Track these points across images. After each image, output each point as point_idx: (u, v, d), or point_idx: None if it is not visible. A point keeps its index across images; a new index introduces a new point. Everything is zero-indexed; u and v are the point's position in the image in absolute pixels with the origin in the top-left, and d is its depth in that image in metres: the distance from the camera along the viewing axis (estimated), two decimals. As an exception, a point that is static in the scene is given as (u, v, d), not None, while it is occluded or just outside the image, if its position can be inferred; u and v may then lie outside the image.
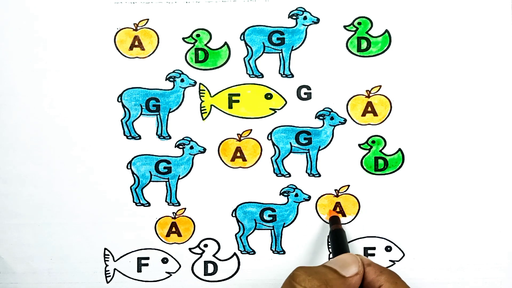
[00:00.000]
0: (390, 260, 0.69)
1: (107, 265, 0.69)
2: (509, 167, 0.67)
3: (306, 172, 0.68)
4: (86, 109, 0.67)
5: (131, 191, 0.68)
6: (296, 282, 0.44)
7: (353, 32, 0.67)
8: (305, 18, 0.67)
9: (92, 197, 0.68)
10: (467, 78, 0.67)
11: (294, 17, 0.67)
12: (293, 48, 0.67)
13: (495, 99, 0.67)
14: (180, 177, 0.68)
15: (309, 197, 0.69)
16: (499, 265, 0.68)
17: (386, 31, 0.67)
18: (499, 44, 0.66)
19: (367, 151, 0.68)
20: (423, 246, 0.68)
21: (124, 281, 0.69)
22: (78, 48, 0.67)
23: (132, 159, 0.68)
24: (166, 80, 0.68)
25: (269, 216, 0.69)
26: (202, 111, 0.68)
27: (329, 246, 0.69)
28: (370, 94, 0.67)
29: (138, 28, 0.68)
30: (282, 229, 0.69)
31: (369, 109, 0.68)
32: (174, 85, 0.68)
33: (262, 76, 0.68)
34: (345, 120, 0.68)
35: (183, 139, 0.68)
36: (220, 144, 0.68)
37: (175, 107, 0.68)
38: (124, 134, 0.68)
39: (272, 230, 0.69)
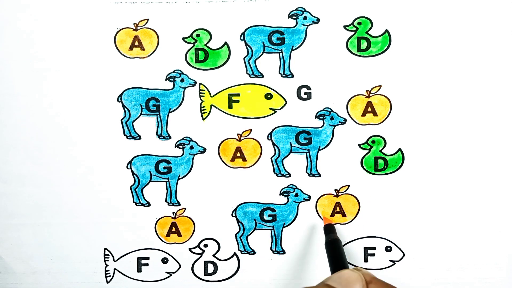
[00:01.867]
0: (390, 260, 0.69)
1: (107, 265, 0.69)
2: (509, 167, 0.67)
3: (306, 172, 0.68)
4: (86, 109, 0.67)
5: (131, 191, 0.68)
6: None
7: (353, 32, 0.67)
8: (305, 18, 0.67)
9: (92, 197, 0.68)
10: (467, 78, 0.67)
11: (294, 17, 0.67)
12: (293, 48, 0.67)
13: (495, 99, 0.67)
14: (180, 177, 0.68)
15: (309, 197, 0.69)
16: (499, 265, 0.68)
17: (386, 31, 0.67)
18: (499, 44, 0.66)
19: (367, 151, 0.68)
20: (423, 246, 0.68)
21: (124, 281, 0.69)
22: (78, 48, 0.67)
23: (132, 159, 0.68)
24: (166, 80, 0.68)
25: (269, 216, 0.69)
26: (202, 111, 0.68)
27: (329, 246, 0.69)
28: (370, 94, 0.67)
29: (138, 28, 0.68)
30: (282, 229, 0.69)
31: (369, 109, 0.68)
32: (174, 85, 0.68)
33: (262, 76, 0.68)
34: (345, 120, 0.68)
35: (183, 139, 0.68)
36: (220, 144, 0.68)
37: (175, 107, 0.68)
38: (124, 134, 0.68)
39: (272, 230, 0.69)
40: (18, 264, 0.69)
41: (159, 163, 0.68)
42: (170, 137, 0.68)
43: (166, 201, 0.69)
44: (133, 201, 0.68)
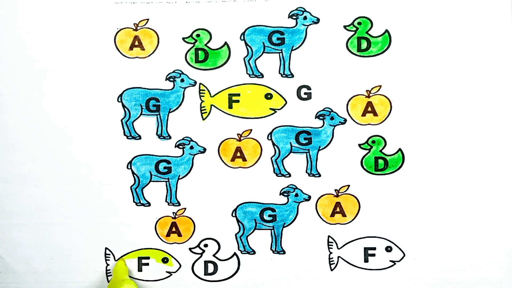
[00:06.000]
0: (390, 261, 0.69)
1: (108, 265, 0.69)
2: (509, 167, 0.67)
3: (306, 172, 0.68)
4: (86, 109, 0.67)
5: (131, 191, 0.68)
6: None
7: (353, 32, 0.67)
8: (305, 18, 0.67)
9: (93, 197, 0.68)
10: (467, 78, 0.67)
11: (294, 17, 0.67)
12: (293, 48, 0.67)
13: (495, 99, 0.67)
14: (180, 177, 0.68)
15: (309, 197, 0.69)
16: (499, 265, 0.68)
17: (386, 31, 0.67)
18: (499, 44, 0.66)
19: (367, 151, 0.68)
20: (423, 246, 0.68)
21: (124, 280, 0.70)
22: (78, 48, 0.67)
23: (132, 159, 0.68)
24: (166, 80, 0.68)
25: (269, 216, 0.69)
26: (202, 111, 0.68)
27: (330, 246, 0.69)
28: (370, 94, 0.67)
29: (138, 28, 0.67)
30: (282, 229, 0.69)
31: (369, 109, 0.67)
32: (174, 85, 0.68)
33: (262, 76, 0.68)
34: (345, 120, 0.68)
35: (183, 139, 0.68)
36: (220, 144, 0.68)
37: (175, 107, 0.68)
38: (124, 134, 0.68)
39: (272, 230, 0.69)
40: (18, 264, 0.69)
41: (159, 163, 0.68)
42: (170, 137, 0.68)
43: (166, 201, 0.69)
44: (133, 201, 0.69)
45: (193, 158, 0.68)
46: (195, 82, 0.68)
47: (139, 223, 0.69)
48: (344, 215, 0.69)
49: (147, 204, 0.69)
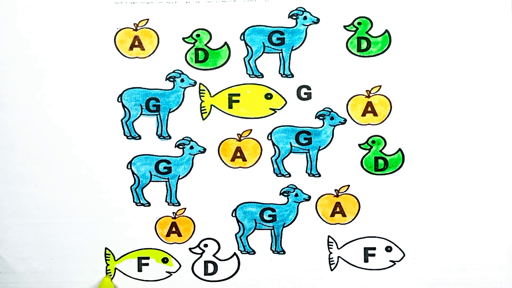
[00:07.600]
0: (390, 261, 0.69)
1: (108, 265, 0.69)
2: (509, 167, 0.67)
3: (306, 172, 0.68)
4: (86, 109, 0.68)
5: (131, 191, 0.68)
6: None
7: (353, 32, 0.67)
8: (305, 18, 0.67)
9: (92, 197, 0.68)
10: (467, 78, 0.67)
11: (294, 17, 0.67)
12: (293, 48, 0.67)
13: (495, 99, 0.67)
14: (180, 177, 0.68)
15: (309, 197, 0.69)
16: (499, 265, 0.68)
17: (386, 31, 0.67)
18: (499, 44, 0.66)
19: (367, 151, 0.68)
20: (423, 246, 0.68)
21: (124, 280, 0.70)
22: (78, 48, 0.67)
23: (132, 159, 0.68)
24: (166, 80, 0.68)
25: (269, 216, 0.69)
26: (202, 111, 0.68)
27: (330, 246, 0.69)
28: (370, 94, 0.67)
29: (138, 28, 0.67)
30: (282, 229, 0.69)
31: (369, 109, 0.67)
32: (174, 85, 0.68)
33: (262, 76, 0.68)
34: (345, 120, 0.68)
35: (183, 139, 0.68)
36: (220, 144, 0.68)
37: (175, 107, 0.68)
38: (124, 134, 0.68)
39: (272, 230, 0.69)
40: (19, 264, 0.69)
41: (159, 163, 0.68)
42: (170, 137, 0.68)
43: (166, 201, 0.69)
44: (133, 201, 0.69)
45: (193, 158, 0.68)
46: (195, 82, 0.68)
47: (139, 223, 0.69)
48: (344, 215, 0.69)
49: (147, 204, 0.69)
